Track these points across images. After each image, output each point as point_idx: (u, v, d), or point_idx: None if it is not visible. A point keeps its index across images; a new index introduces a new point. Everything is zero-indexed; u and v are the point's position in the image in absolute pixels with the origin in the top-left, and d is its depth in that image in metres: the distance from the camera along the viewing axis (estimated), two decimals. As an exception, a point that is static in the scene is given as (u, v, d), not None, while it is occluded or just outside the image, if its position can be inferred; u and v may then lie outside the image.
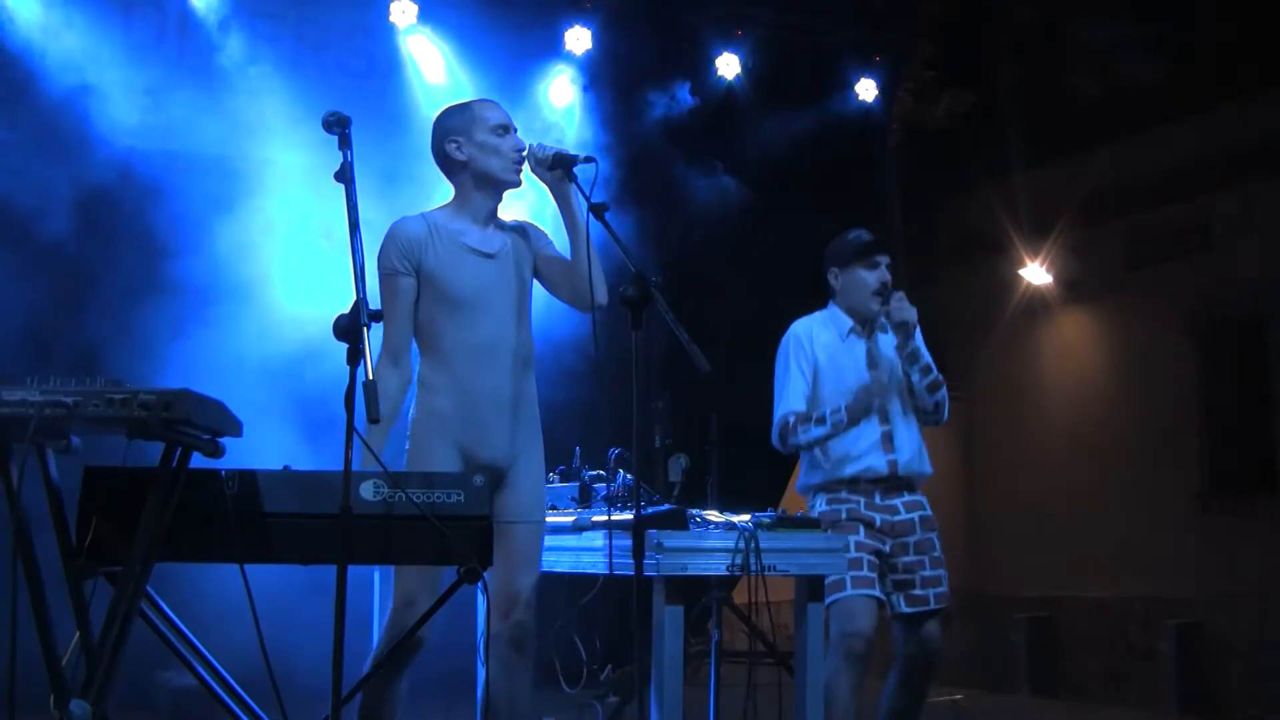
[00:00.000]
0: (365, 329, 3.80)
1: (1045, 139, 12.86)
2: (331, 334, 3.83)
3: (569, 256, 4.93)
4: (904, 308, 5.94)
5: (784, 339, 6.18)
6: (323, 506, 3.97)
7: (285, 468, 4.12)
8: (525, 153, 4.89)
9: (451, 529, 4.03)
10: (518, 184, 4.95)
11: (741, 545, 5.22)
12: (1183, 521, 11.99)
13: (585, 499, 5.90)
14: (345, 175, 4.12)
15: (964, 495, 13.72)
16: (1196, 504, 11.95)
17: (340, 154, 4.16)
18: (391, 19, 9.18)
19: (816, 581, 5.52)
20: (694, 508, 5.75)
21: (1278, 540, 11.18)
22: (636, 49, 10.10)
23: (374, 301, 3.89)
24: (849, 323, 6.09)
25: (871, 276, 6.03)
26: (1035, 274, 13.02)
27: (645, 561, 4.73)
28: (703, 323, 5.57)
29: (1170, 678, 11.21)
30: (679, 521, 5.31)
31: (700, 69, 10.42)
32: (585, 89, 9.93)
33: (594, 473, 6.21)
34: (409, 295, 4.79)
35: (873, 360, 6.03)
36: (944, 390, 6.07)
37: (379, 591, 6.23)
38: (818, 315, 6.20)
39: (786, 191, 10.45)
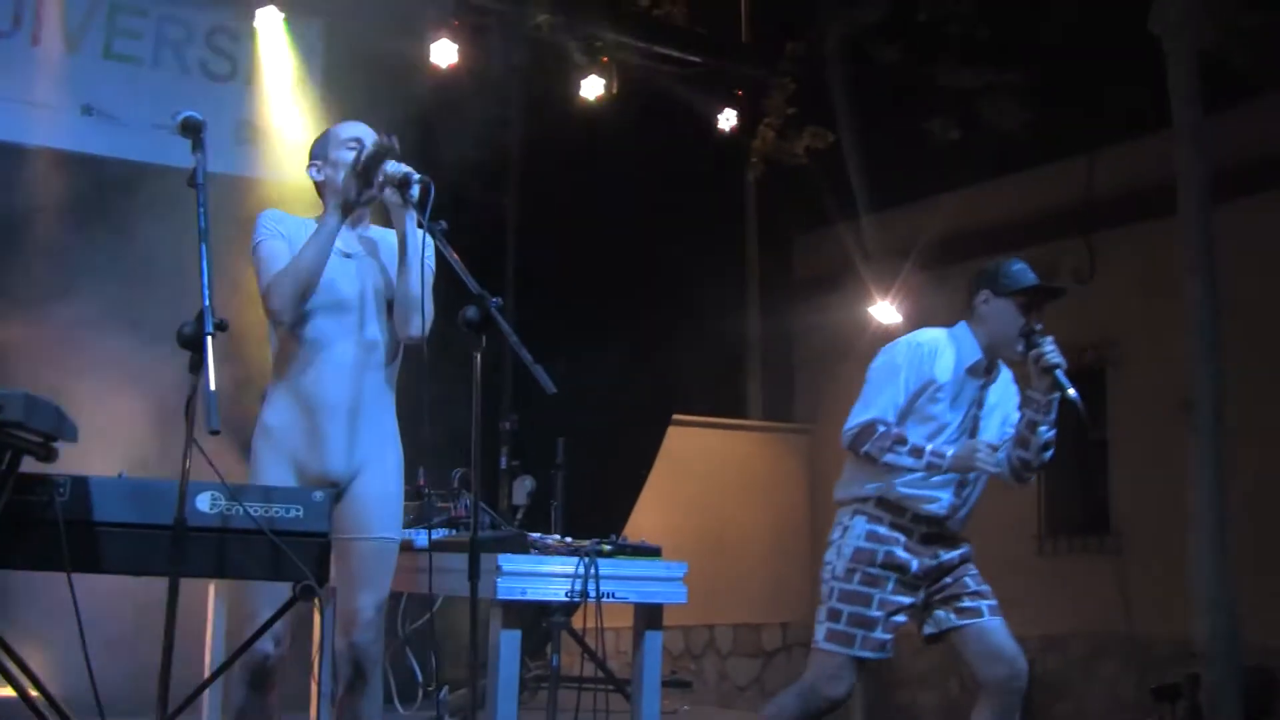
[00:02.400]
0: (209, 338, 3.74)
1: (902, 179, 13.02)
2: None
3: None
4: (1056, 353, 5.30)
5: (905, 342, 5.56)
6: (157, 517, 3.85)
7: (121, 474, 4.03)
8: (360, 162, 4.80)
9: (289, 545, 3.96)
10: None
11: (581, 571, 5.22)
12: (1018, 562, 12.17)
13: (427, 518, 5.87)
14: (196, 181, 4.05)
15: (808, 530, 13.83)
16: (1032, 544, 12.17)
17: (193, 158, 4.09)
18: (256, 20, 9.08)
19: (654, 609, 5.53)
20: (538, 531, 5.74)
21: (1108, 582, 11.43)
22: (504, 67, 10.08)
23: (220, 313, 3.83)
24: (976, 356, 5.45)
25: (1022, 318, 5.39)
26: (885, 312, 13.15)
27: (483, 584, 4.70)
28: (554, 344, 5.54)
29: (997, 715, 11.35)
30: (519, 545, 5.30)
31: (565, 92, 10.43)
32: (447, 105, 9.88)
33: (437, 492, 6.18)
34: (287, 250, 4.73)
35: (980, 401, 5.48)
36: (1052, 451, 5.47)
37: (214, 605, 6.13)
38: (949, 331, 5.56)
39: (646, 220, 10.47)
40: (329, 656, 4.85)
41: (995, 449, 5.30)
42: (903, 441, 5.25)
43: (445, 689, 7.01)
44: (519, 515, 7.81)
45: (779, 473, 14.04)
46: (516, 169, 10.36)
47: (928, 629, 5.48)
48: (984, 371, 5.47)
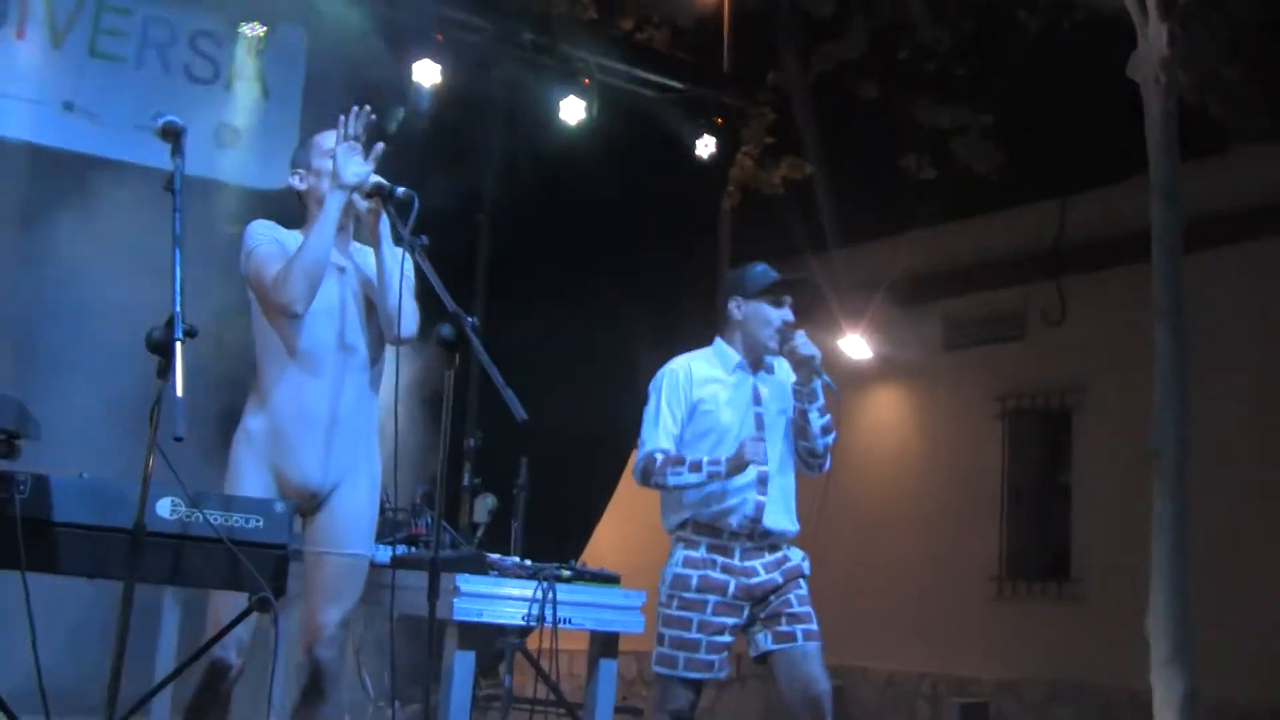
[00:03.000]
0: (178, 344, 3.72)
1: (875, 214, 13.05)
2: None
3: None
4: (807, 345, 5.59)
5: (659, 374, 5.77)
6: (116, 520, 3.83)
7: (81, 475, 4.00)
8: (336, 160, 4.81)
9: (247, 555, 3.94)
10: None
11: (539, 596, 5.21)
12: (977, 602, 12.21)
13: (387, 534, 5.85)
14: (173, 185, 4.04)
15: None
16: (992, 586, 12.17)
17: (171, 162, 4.08)
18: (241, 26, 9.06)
19: (610, 637, 5.53)
20: (497, 551, 5.73)
21: (1066, 628, 11.44)
22: (485, 86, 10.08)
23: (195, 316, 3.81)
24: (737, 358, 5.72)
25: (775, 313, 5.69)
26: (854, 346, 13.16)
27: (440, 604, 4.68)
28: (524, 367, 5.52)
29: (954, 756, 11.37)
30: (478, 566, 5.28)
31: (545, 113, 10.43)
32: (430, 123, 9.87)
33: (399, 507, 6.16)
34: (282, 254, 4.74)
35: (757, 398, 5.68)
36: (834, 435, 5.74)
37: (166, 608, 6.11)
38: (700, 352, 5.83)
39: (620, 243, 10.48)
40: (282, 669, 4.82)
41: (759, 439, 5.48)
42: (680, 461, 5.44)
43: (396, 705, 6.97)
44: (479, 533, 7.78)
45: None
46: (493, 187, 10.36)
47: (751, 650, 5.56)
48: (751, 370, 5.71)
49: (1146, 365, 8.30)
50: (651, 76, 11.24)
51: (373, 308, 4.88)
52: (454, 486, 8.47)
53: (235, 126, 9.02)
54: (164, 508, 3.92)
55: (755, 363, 5.73)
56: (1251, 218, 10.52)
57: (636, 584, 5.74)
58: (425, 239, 4.54)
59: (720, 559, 5.48)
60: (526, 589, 5.22)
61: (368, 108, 4.87)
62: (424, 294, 4.63)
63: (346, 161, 4.76)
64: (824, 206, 13.03)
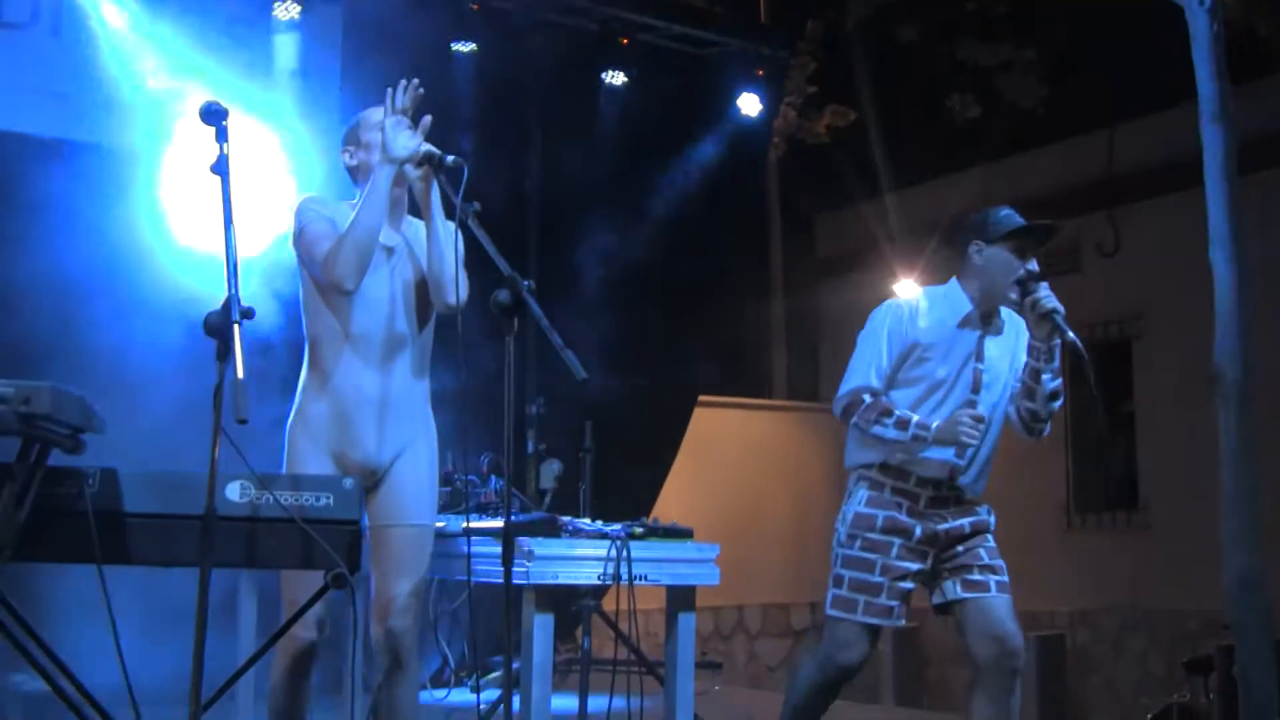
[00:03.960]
0: (236, 326, 3.72)
1: (923, 157, 12.99)
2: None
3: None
4: (1051, 298, 5.16)
5: (882, 305, 5.45)
6: (186, 507, 3.84)
7: (147, 466, 4.02)
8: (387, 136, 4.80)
9: (319, 532, 3.95)
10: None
11: (613, 554, 5.20)
12: (1047, 536, 12.19)
13: (457, 504, 5.85)
14: (221, 168, 4.04)
15: (833, 509, 13.64)
16: (1061, 519, 12.15)
17: (217, 146, 4.08)
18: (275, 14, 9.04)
19: (687, 591, 5.52)
20: (566, 515, 5.73)
21: (1137, 556, 11.41)
22: (524, 51, 10.05)
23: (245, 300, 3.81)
24: (969, 308, 5.31)
25: (1019, 263, 5.25)
26: (908, 290, 13.06)
27: (515, 569, 4.68)
28: (581, 329, 5.52)
29: (1031, 689, 11.34)
30: (551, 529, 5.28)
31: (586, 77, 10.40)
32: (469, 90, 9.85)
33: (467, 477, 6.17)
34: (332, 230, 4.74)
35: (980, 355, 5.31)
36: (1061, 400, 5.38)
37: (244, 594, 6.13)
38: (933, 290, 5.45)
39: (669, 201, 10.46)
40: (362, 643, 4.84)
41: (980, 419, 5.17)
42: (889, 413, 5.18)
43: (476, 674, 7.01)
44: (546, 499, 7.80)
45: (804, 452, 14.01)
46: (537, 153, 10.34)
47: (935, 598, 5.35)
48: (980, 323, 5.34)
49: (1204, 291, 8.21)
50: (690, 31, 11.17)
51: (422, 285, 4.88)
52: (519, 454, 8.49)
53: (278, 111, 9.00)
54: (233, 491, 3.94)
55: (987, 315, 5.36)
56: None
57: (705, 538, 5.71)
58: (478, 205, 4.53)
59: (907, 502, 5.27)
60: (600, 548, 5.21)
61: (415, 80, 4.86)
62: (479, 261, 4.61)
63: (395, 134, 4.75)
64: (871, 152, 12.98)
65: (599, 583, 5.24)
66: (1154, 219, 11.52)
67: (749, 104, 11.16)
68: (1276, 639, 7.77)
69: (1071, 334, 5.09)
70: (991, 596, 5.27)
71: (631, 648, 6.50)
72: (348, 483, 4.07)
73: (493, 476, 6.32)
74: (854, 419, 5.25)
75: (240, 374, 3.64)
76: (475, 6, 9.75)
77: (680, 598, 5.50)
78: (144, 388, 7.40)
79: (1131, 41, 10.67)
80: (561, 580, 5.13)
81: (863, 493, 5.34)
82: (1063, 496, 12.22)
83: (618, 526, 5.42)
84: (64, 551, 3.91)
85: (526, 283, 4.29)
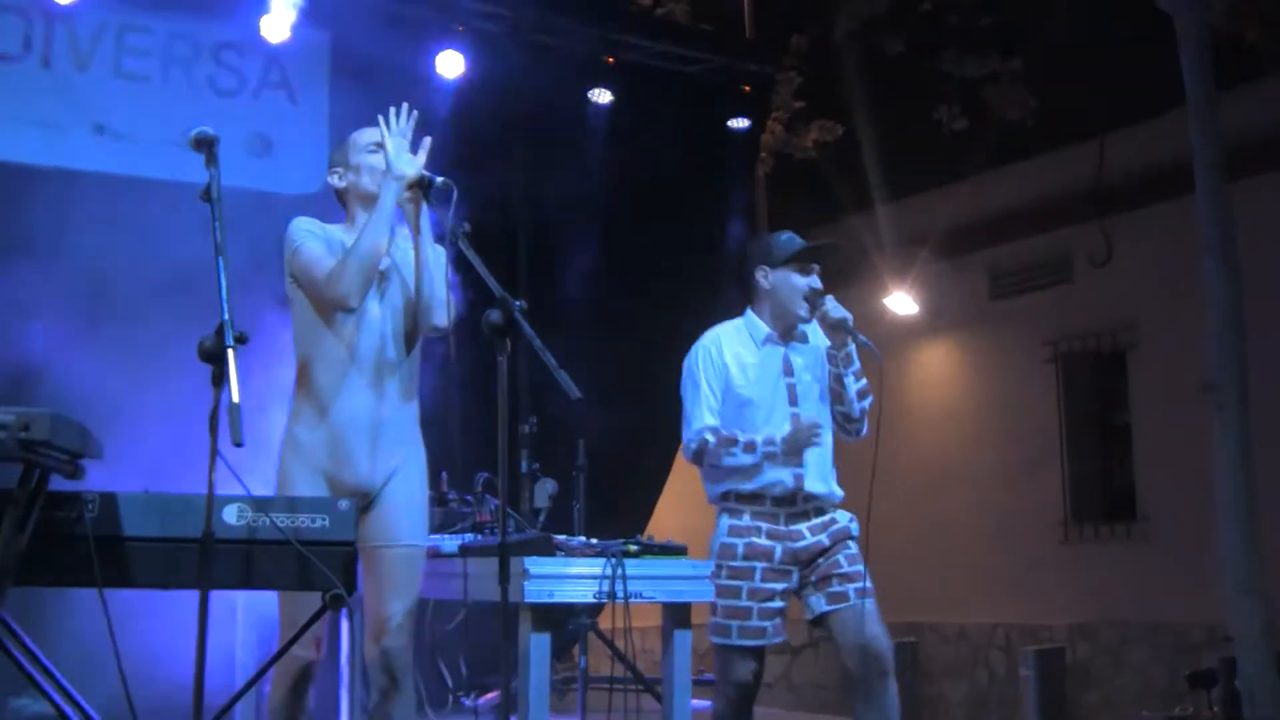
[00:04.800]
0: (230, 351, 3.75)
1: (911, 170, 13.01)
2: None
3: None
4: (838, 308, 5.63)
5: (691, 351, 5.82)
6: (184, 530, 3.89)
7: (146, 490, 4.05)
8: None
9: (315, 554, 3.97)
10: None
11: (608, 572, 5.22)
12: (1044, 550, 12.17)
13: (451, 524, 5.87)
14: (211, 194, 4.07)
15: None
16: (1058, 532, 12.14)
17: (206, 173, 4.10)
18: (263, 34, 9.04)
19: (683, 609, 5.53)
20: (561, 534, 5.74)
21: (1136, 568, 11.39)
22: (508, 74, 10.07)
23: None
24: (765, 330, 5.75)
25: (802, 281, 5.71)
26: (900, 303, 13.13)
27: (511, 588, 4.69)
28: (572, 348, 5.52)
29: (1031, 703, 11.34)
30: (546, 548, 5.30)
31: (572, 96, 10.42)
32: (455, 113, 9.86)
33: (462, 496, 6.18)
34: (326, 252, 4.76)
35: (788, 369, 5.70)
36: (870, 399, 5.75)
37: (242, 616, 6.15)
38: (729, 324, 5.87)
39: (657, 219, 10.47)
40: (359, 664, 4.86)
41: (817, 425, 5.54)
42: (734, 442, 5.54)
43: (474, 694, 7.02)
44: (541, 518, 7.81)
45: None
46: (525, 174, 10.35)
47: (805, 614, 5.60)
48: (781, 340, 5.74)
49: (1198, 299, 8.25)
50: (675, 50, 11.19)
51: (410, 307, 4.90)
52: (514, 473, 8.49)
53: (265, 134, 9.03)
54: (231, 514, 3.97)
55: (786, 332, 5.76)
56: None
57: (702, 554, 5.75)
58: (467, 225, 4.56)
59: (765, 525, 5.57)
60: (595, 567, 5.23)
61: (408, 105, 4.89)
62: (469, 282, 4.64)
63: (399, 154, 4.78)
64: (859, 166, 13.01)
65: (595, 601, 5.26)
66: (1146, 228, 11.52)
67: (735, 120, 11.19)
68: (1278, 649, 7.78)
69: (862, 337, 5.61)
70: (851, 605, 5.48)
71: (628, 665, 6.51)
72: (343, 504, 4.10)
73: (487, 496, 6.33)
74: (707, 460, 5.60)
75: (235, 398, 3.67)
76: (460, 28, 9.77)
77: (676, 614, 5.52)
78: (142, 413, 7.42)
79: (1119, 49, 10.71)
80: (557, 599, 5.14)
81: (724, 522, 5.65)
82: (1059, 509, 12.20)
83: (612, 544, 5.44)
84: (65, 575, 3.94)
85: (518, 303, 4.32)
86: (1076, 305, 12.21)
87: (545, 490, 8.09)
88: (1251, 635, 7.69)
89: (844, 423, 5.75)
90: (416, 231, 4.83)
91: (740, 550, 5.54)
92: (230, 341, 3.76)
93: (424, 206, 4.81)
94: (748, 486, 5.55)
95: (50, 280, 7.87)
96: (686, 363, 5.79)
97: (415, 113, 4.90)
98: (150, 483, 4.12)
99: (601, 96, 10.47)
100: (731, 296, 12.29)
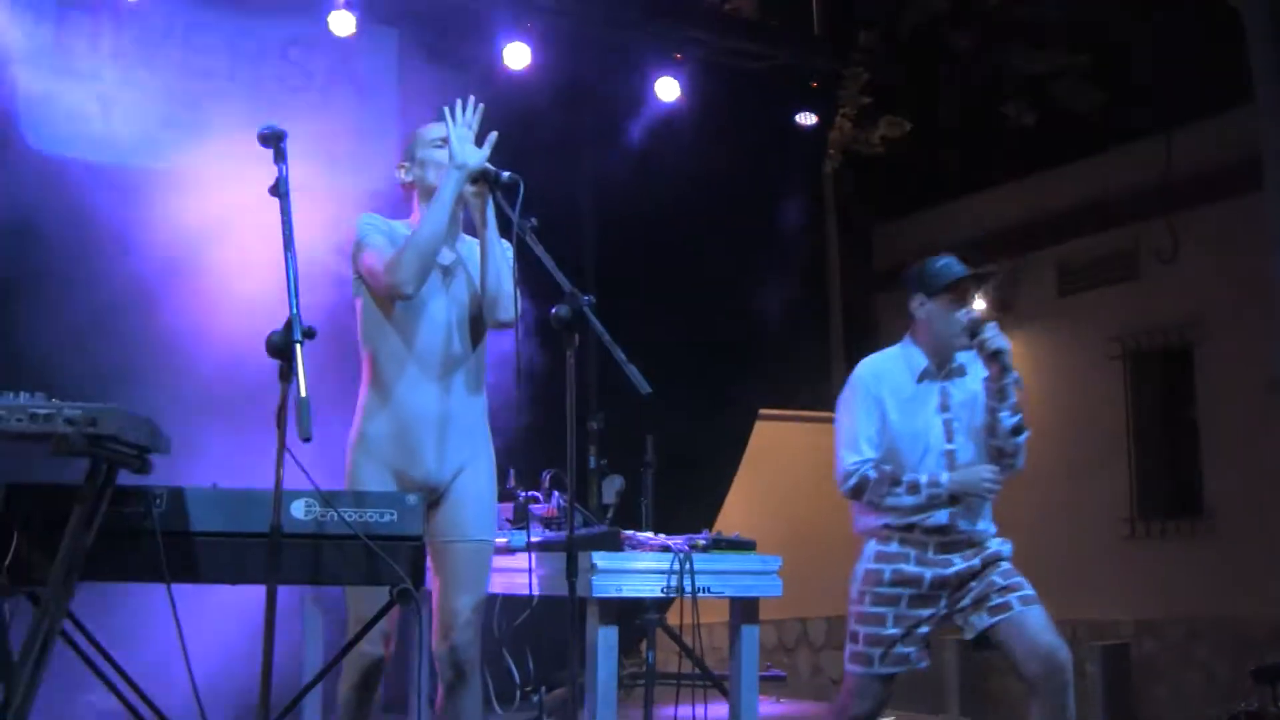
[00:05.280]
0: (298, 345, 3.75)
1: (979, 165, 12.95)
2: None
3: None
4: (999, 338, 5.35)
5: (850, 379, 5.61)
6: (252, 525, 3.90)
7: (214, 485, 4.06)
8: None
9: (384, 549, 3.98)
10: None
11: (676, 567, 5.20)
12: (1111, 545, 12.13)
13: (520, 519, 5.86)
14: (280, 190, 4.08)
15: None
16: (1124, 528, 12.07)
17: (276, 168, 4.12)
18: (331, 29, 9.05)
19: (750, 604, 5.51)
20: (629, 529, 5.72)
21: (1202, 564, 11.33)
22: (576, 68, 10.06)
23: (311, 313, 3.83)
24: (924, 362, 5.53)
25: (961, 310, 5.49)
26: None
27: (579, 582, 4.69)
28: (639, 344, 5.51)
29: (1097, 699, 11.29)
30: (613, 542, 5.29)
31: (639, 91, 10.40)
32: (522, 107, 9.85)
33: (529, 493, 6.18)
34: (389, 245, 4.79)
35: (945, 405, 5.49)
36: (1026, 434, 5.43)
37: (309, 612, 6.17)
38: (888, 353, 5.66)
39: (724, 215, 10.44)
40: (426, 659, 4.87)
41: (996, 475, 5.34)
42: (897, 482, 5.35)
43: (543, 689, 7.01)
44: (609, 514, 7.80)
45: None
46: (592, 169, 10.34)
47: (967, 635, 5.43)
48: (937, 373, 5.53)
49: (1265, 295, 8.17)
50: (742, 46, 11.15)
51: (476, 302, 4.90)
52: (581, 469, 8.48)
53: (334, 130, 9.04)
54: (298, 509, 3.98)
55: (943, 363, 5.55)
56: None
57: (768, 550, 5.71)
58: (534, 220, 4.56)
59: (914, 551, 5.39)
60: (663, 561, 5.21)
61: (474, 98, 4.90)
62: (539, 276, 4.63)
63: (463, 144, 4.79)
64: (926, 162, 12.96)
65: (662, 595, 5.24)
66: (1212, 224, 11.45)
67: (803, 116, 11.14)
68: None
69: (1015, 374, 5.32)
70: (1017, 613, 5.31)
71: (695, 661, 6.49)
72: (411, 499, 4.10)
73: (554, 492, 6.32)
74: (867, 497, 5.40)
75: (303, 393, 3.67)
76: (529, 24, 9.77)
77: (744, 610, 5.50)
78: (209, 407, 7.45)
79: (1186, 44, 10.62)
80: (625, 593, 5.13)
81: (872, 548, 5.51)
82: (1126, 505, 12.15)
83: (680, 539, 5.43)
84: (132, 571, 3.95)
85: (587, 298, 4.32)
86: (1143, 301, 12.15)
87: (613, 486, 8.07)
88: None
89: (998, 457, 5.45)
90: (483, 225, 4.83)
91: (888, 576, 5.39)
92: (298, 336, 3.77)
93: (489, 200, 4.81)
94: (902, 520, 5.38)
95: (117, 278, 7.91)
96: (845, 391, 5.60)
97: (481, 105, 4.90)
98: (218, 478, 4.12)
99: (669, 93, 10.44)
100: (804, 291, 12.31)
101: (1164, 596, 11.61)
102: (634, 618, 7.50)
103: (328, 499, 4.01)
